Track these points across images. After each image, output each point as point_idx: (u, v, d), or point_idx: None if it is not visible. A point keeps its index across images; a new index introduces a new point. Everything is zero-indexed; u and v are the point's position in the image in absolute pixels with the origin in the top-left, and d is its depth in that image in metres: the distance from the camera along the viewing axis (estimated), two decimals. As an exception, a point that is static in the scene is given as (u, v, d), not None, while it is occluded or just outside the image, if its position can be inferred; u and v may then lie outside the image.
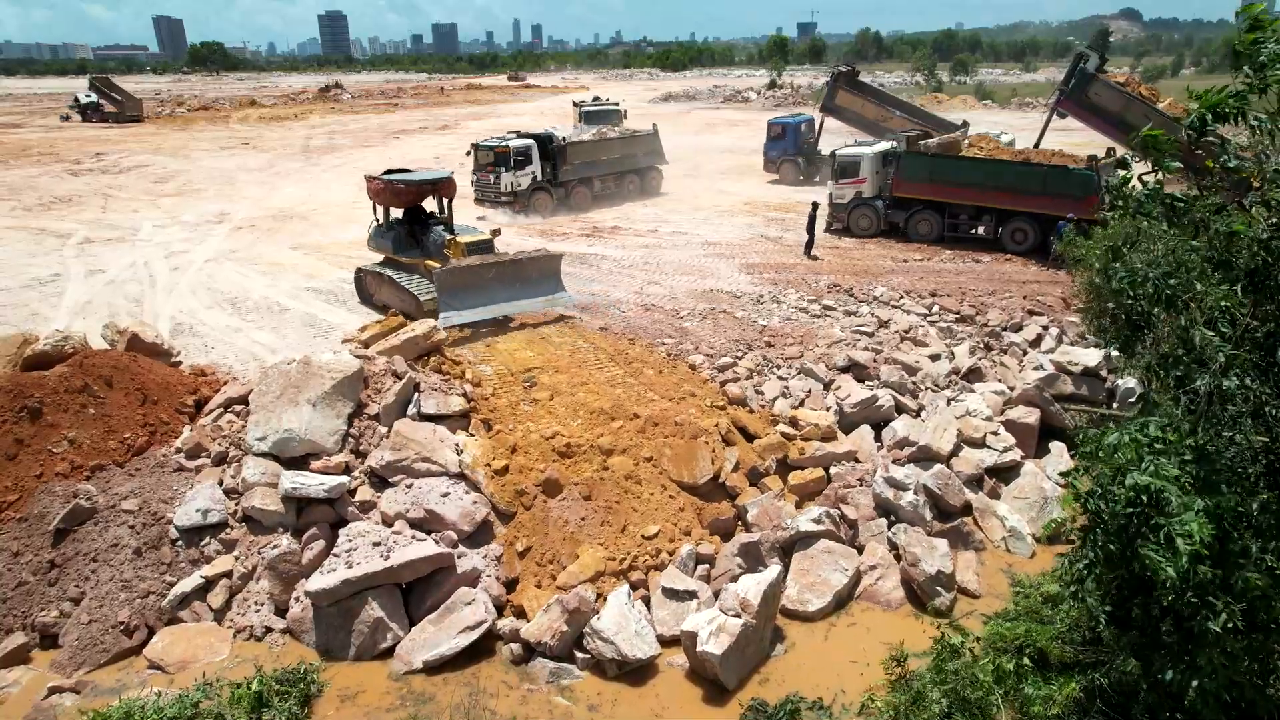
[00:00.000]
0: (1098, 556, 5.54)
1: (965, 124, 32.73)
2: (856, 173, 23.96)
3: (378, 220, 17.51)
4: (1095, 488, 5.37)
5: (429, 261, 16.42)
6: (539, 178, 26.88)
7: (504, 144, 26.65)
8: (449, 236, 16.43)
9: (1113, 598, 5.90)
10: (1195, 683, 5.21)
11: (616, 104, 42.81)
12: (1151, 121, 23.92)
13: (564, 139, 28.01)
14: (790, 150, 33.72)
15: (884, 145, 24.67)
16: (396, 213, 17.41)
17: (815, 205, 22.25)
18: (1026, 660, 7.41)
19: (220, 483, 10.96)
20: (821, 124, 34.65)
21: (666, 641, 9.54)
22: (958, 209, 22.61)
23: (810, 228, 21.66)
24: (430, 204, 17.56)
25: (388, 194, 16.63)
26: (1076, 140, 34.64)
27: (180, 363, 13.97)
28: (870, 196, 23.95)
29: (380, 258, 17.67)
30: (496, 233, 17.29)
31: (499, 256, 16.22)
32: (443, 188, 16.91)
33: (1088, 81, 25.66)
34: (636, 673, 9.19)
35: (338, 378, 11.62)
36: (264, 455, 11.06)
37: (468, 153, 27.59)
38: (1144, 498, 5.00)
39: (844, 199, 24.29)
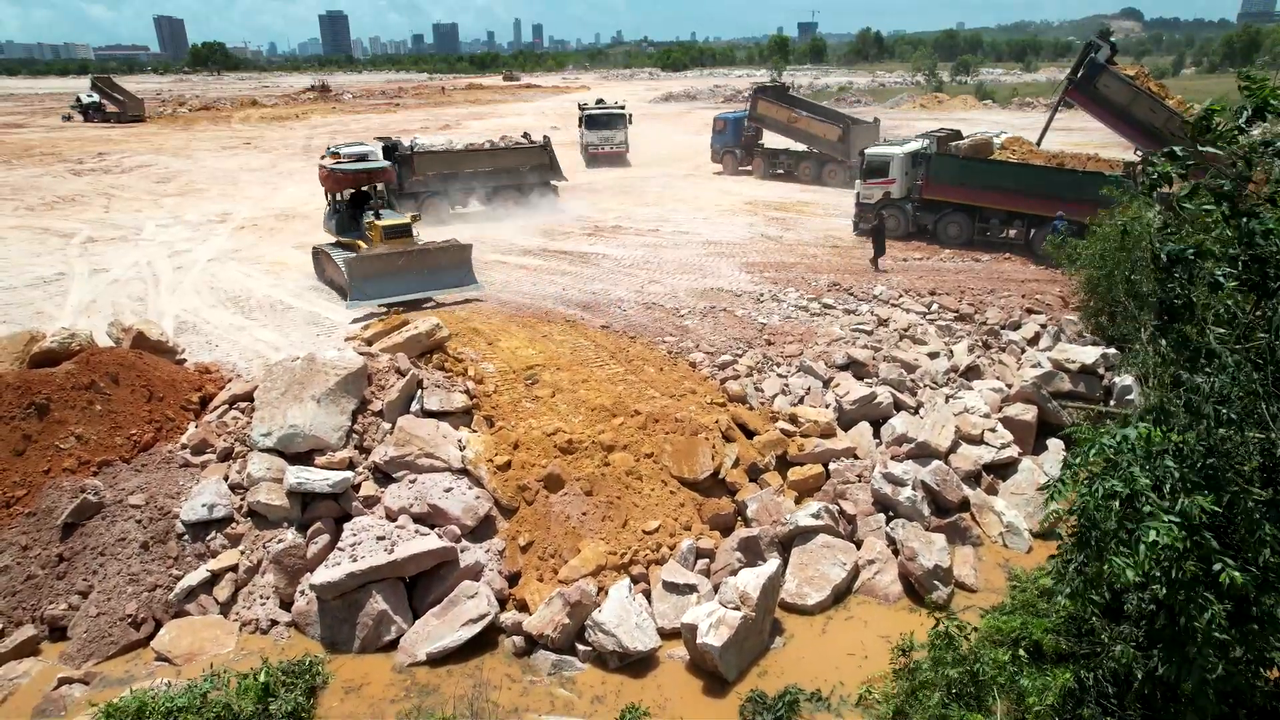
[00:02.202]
0: (1086, 559, 5.67)
1: (877, 120, 35.84)
2: (885, 173, 23.36)
3: (329, 203, 19.38)
4: (1082, 494, 5.48)
5: (360, 242, 18.09)
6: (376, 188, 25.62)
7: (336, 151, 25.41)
8: (370, 219, 17.98)
9: (1102, 593, 6.02)
10: (1189, 674, 5.33)
11: (621, 106, 40.52)
12: (1158, 116, 23.93)
13: (411, 147, 26.52)
14: (730, 142, 36.24)
15: (914, 145, 24.18)
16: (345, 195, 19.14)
17: (881, 215, 21.48)
18: (1022, 652, 7.51)
19: (226, 478, 11.08)
20: None
21: (667, 634, 9.68)
22: (989, 213, 22.22)
23: (878, 237, 20.39)
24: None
25: (331, 180, 18.67)
26: (1076, 140, 34.75)
27: (185, 360, 14.09)
28: (899, 198, 23.38)
29: (333, 239, 19.20)
30: (416, 218, 18.81)
31: (409, 245, 17.52)
32: (378, 175, 19.11)
33: (1097, 72, 25.45)
34: (637, 665, 9.31)
35: (342, 374, 11.74)
36: (269, 451, 11.18)
37: (323, 156, 25.74)
38: (1117, 504, 5.13)
39: (872, 199, 23.72)
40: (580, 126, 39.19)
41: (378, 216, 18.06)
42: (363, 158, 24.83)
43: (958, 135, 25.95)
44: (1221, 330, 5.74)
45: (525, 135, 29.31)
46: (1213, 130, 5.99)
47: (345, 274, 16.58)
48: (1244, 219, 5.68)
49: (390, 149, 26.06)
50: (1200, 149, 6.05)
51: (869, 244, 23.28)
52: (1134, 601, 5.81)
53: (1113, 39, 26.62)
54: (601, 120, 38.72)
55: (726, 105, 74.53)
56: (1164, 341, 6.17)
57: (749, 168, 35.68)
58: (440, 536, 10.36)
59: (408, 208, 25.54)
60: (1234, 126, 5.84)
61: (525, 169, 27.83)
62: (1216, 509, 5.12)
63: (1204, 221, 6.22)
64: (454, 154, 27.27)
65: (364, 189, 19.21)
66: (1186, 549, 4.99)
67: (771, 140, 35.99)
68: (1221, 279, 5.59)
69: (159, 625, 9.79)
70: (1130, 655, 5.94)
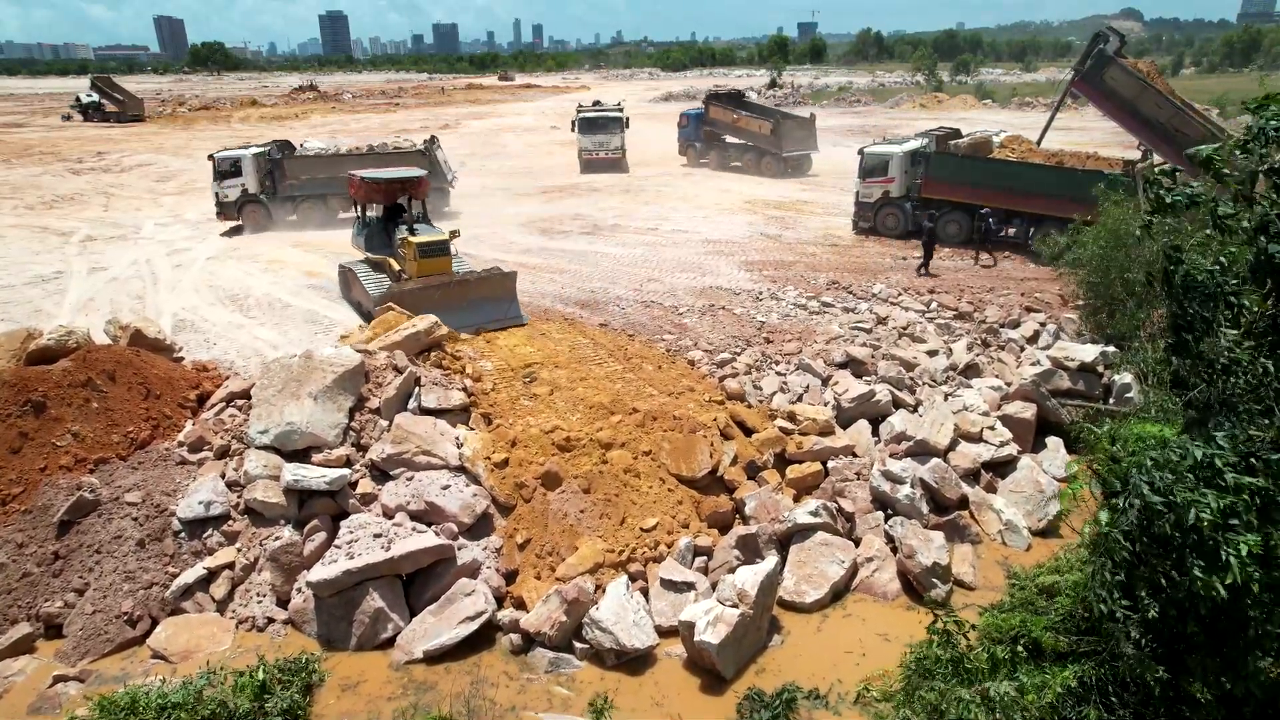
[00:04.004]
0: (1131, 555, 5.62)
1: (813, 116, 39.29)
2: (885, 172, 23.33)
3: (358, 217, 17.80)
4: (1149, 504, 5.39)
5: (392, 261, 16.53)
6: (250, 190, 25.37)
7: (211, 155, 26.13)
8: (403, 236, 16.23)
9: (1122, 595, 5.96)
10: (1244, 688, 5.33)
11: (619, 109, 38.88)
12: (1163, 112, 23.87)
13: (283, 151, 26.18)
14: (692, 137, 39.56)
15: (913, 144, 24.11)
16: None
17: (933, 216, 21.17)
18: (1021, 649, 7.48)
19: (222, 475, 11.04)
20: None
21: (664, 632, 9.63)
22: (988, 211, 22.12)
23: (929, 243, 20.03)
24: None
25: (362, 191, 16.78)
26: (1075, 139, 34.75)
27: (182, 358, 14.07)
28: (898, 196, 23.31)
29: (362, 255, 17.82)
30: (455, 234, 16.68)
31: (447, 274, 15.63)
32: (412, 186, 16.96)
33: (1105, 64, 25.34)
34: (635, 662, 9.27)
35: (339, 372, 11.71)
36: (266, 448, 11.13)
37: (210, 157, 26.54)
38: (1218, 523, 5.10)
39: (871, 198, 23.69)
40: (574, 130, 38.07)
41: (412, 232, 16.22)
42: (233, 160, 25.48)
43: (957, 134, 25.90)
44: (1234, 334, 5.74)
45: (432, 139, 28.37)
46: (1214, 167, 6.02)
47: (374, 311, 14.97)
48: (1261, 238, 5.67)
49: (267, 153, 26.00)
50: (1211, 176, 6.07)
51: (864, 241, 23.25)
52: (1155, 611, 5.73)
53: (1122, 34, 26.50)
54: (597, 124, 37.35)
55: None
56: (1174, 359, 6.17)
57: (706, 160, 38.81)
58: (437, 534, 10.33)
59: (284, 211, 25.81)
60: (1235, 150, 5.89)
61: None
62: None
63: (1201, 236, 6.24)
64: (327, 158, 26.76)
65: (398, 201, 17.36)
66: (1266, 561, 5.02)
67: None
68: (1238, 300, 5.62)
69: (155, 623, 9.75)
70: (1150, 667, 5.88)
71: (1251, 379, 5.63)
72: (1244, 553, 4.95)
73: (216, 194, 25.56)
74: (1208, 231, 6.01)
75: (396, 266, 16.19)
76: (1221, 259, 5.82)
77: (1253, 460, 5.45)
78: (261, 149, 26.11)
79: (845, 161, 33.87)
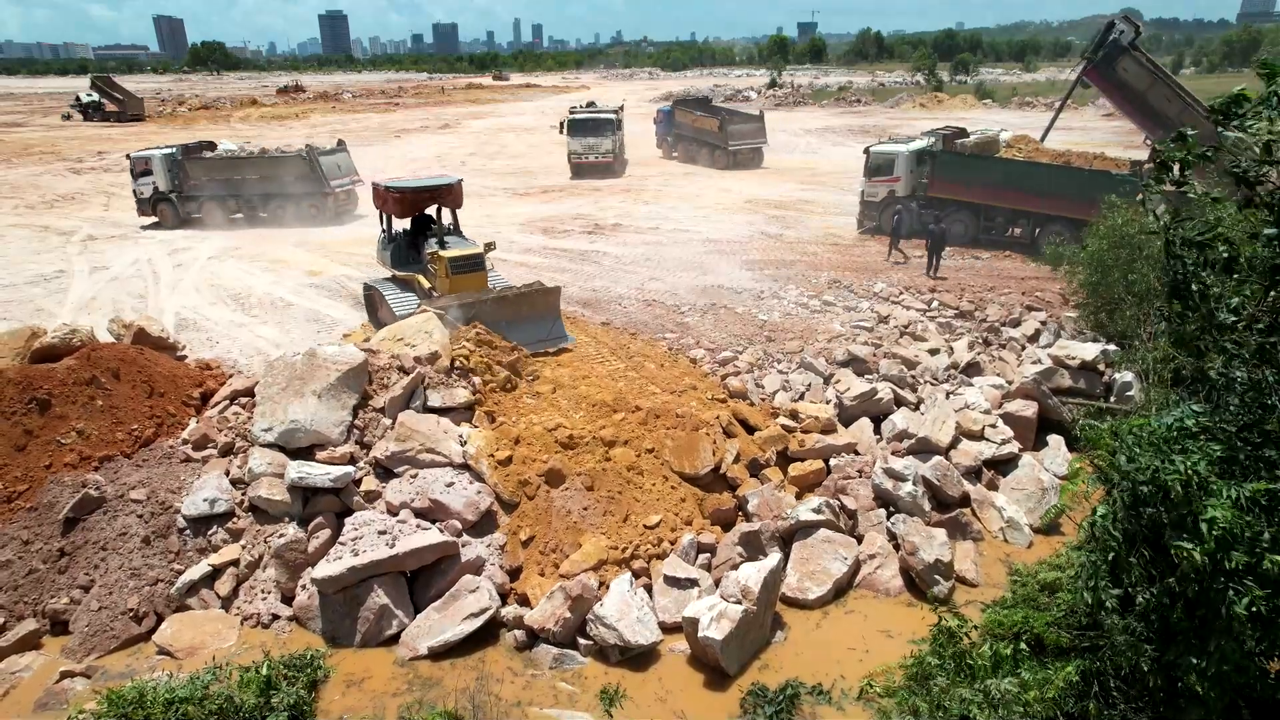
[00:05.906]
0: (1120, 543, 5.63)
1: (761, 113, 42.00)
2: (890, 171, 23.24)
3: (383, 229, 16.60)
4: (1127, 476, 5.42)
5: (421, 278, 15.30)
6: (160, 189, 26.45)
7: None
8: (432, 250, 14.98)
9: (1110, 583, 6.01)
10: (1207, 668, 5.32)
11: (614, 111, 37.49)
12: (1172, 106, 23.84)
13: (184, 153, 26.84)
14: (664, 132, 43.26)
15: (919, 143, 24.03)
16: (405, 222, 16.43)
17: (939, 218, 20.88)
18: (1023, 645, 7.50)
19: (227, 473, 11.08)
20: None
21: (668, 628, 9.66)
22: (994, 211, 22.14)
23: (937, 245, 19.62)
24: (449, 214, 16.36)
25: (385, 202, 15.47)
26: (1076, 139, 34.79)
27: (185, 357, 14.11)
28: (904, 196, 23.22)
29: (388, 272, 16.44)
30: (490, 246, 15.28)
31: (481, 294, 14.15)
32: (443, 195, 15.40)
33: (1118, 54, 25.10)
34: (639, 659, 9.30)
35: (343, 370, 11.73)
36: (270, 446, 11.16)
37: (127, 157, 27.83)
38: (1189, 486, 5.09)
39: (877, 198, 23.60)
40: (562, 132, 36.59)
41: (442, 245, 14.92)
42: (145, 160, 26.46)
43: (963, 133, 25.90)
44: (1232, 318, 5.74)
45: (340, 143, 28.94)
46: (1239, 115, 5.92)
47: None
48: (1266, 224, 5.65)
49: (173, 154, 26.86)
50: (1222, 132, 6.00)
51: (866, 240, 23.27)
52: (1146, 596, 5.78)
53: (1137, 24, 26.13)
54: (588, 126, 35.85)
55: (727, 105, 74.61)
56: (1169, 324, 6.14)
57: (676, 154, 41.79)
58: (441, 531, 10.36)
59: (189, 209, 26.69)
60: (1257, 110, 5.78)
61: (289, 178, 26.91)
62: (1272, 487, 5.09)
63: (1215, 208, 6.21)
64: (221, 161, 27.65)
65: (426, 212, 16.01)
66: (1236, 536, 5.00)
67: None
68: (1231, 257, 5.59)
69: (160, 619, 9.78)
70: (1140, 650, 5.91)
71: (1250, 366, 5.61)
72: (1215, 517, 4.94)
73: (135, 191, 26.95)
74: (1215, 194, 5.97)
75: (426, 284, 15.04)
76: (1243, 233, 5.76)
77: (1219, 431, 5.45)
78: (170, 150, 27.22)
79: (847, 161, 34.02)
